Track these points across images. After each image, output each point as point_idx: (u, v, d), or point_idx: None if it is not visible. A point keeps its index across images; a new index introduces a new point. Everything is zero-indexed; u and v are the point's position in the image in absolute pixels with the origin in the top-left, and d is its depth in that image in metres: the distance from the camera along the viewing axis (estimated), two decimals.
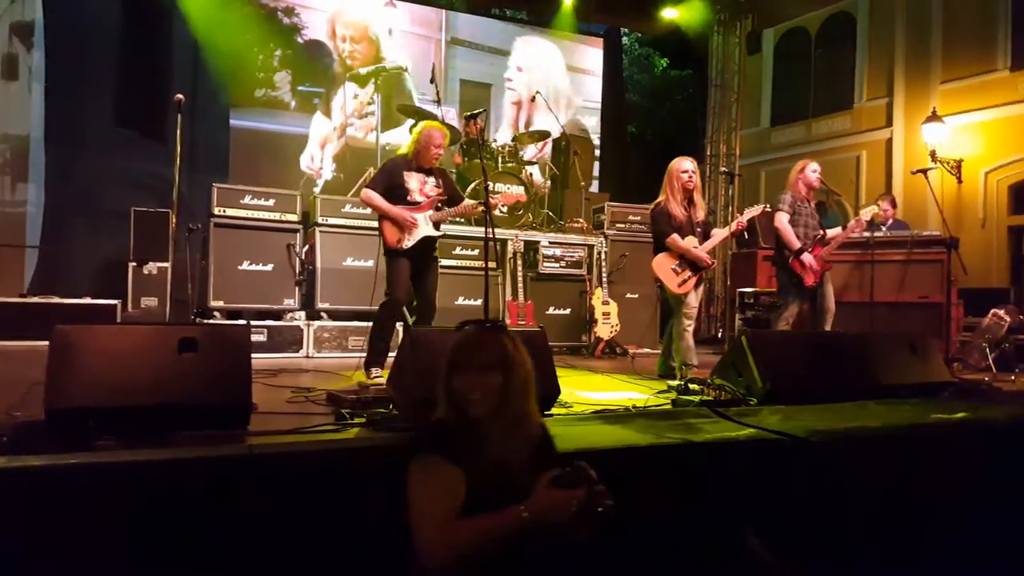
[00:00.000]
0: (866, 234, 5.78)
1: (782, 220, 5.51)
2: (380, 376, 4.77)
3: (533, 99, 8.32)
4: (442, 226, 6.79)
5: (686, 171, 5.32)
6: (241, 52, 9.92)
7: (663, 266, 5.29)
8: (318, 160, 10.19)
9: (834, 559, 1.84)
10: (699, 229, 5.35)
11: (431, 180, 5.08)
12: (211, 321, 6.41)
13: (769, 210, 5.67)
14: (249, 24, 10.03)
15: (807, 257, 5.43)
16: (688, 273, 5.24)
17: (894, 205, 7.53)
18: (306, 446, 2.75)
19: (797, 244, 5.45)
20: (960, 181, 11.52)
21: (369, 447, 2.74)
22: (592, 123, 12.58)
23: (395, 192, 4.96)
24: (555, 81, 11.79)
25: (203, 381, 2.92)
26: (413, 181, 5.00)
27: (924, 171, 5.82)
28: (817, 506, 2.52)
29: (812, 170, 5.63)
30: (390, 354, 4.66)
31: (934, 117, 11.43)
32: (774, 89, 15.01)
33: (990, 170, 11.35)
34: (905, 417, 3.14)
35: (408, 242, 4.91)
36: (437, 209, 5.08)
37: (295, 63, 10.27)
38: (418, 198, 5.00)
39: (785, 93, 14.81)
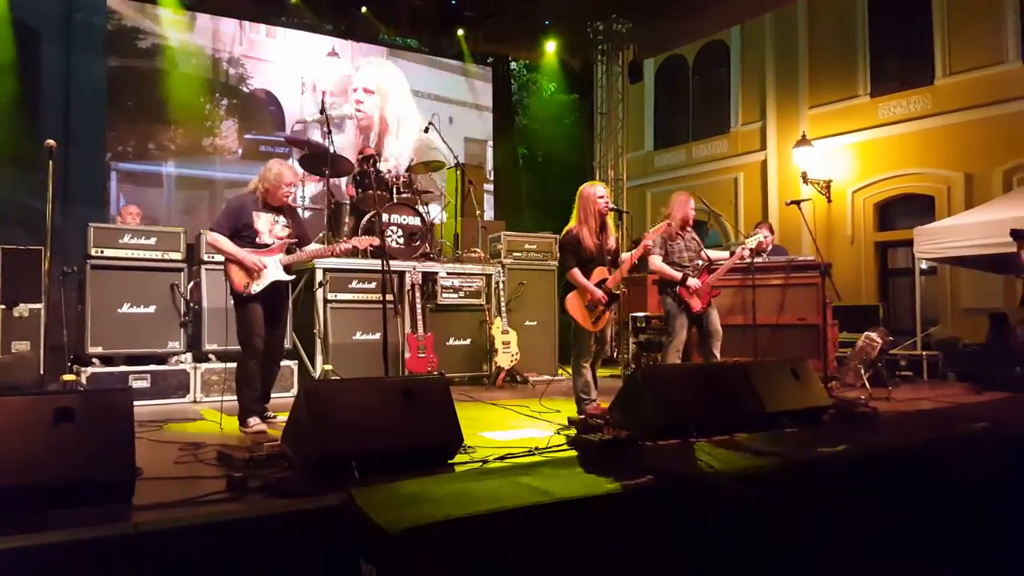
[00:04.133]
0: (747, 260, 6.05)
1: (655, 262, 5.62)
2: (260, 425, 4.61)
3: (427, 130, 8.28)
4: (333, 261, 6.80)
5: (602, 196, 5.19)
6: (187, 103, 10.43)
7: (576, 305, 5.17)
8: None
9: None
10: (610, 258, 5.26)
11: (281, 220, 4.83)
12: (91, 370, 6.04)
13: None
14: (195, 75, 10.59)
15: (693, 281, 5.61)
16: (601, 309, 5.13)
17: (772, 232, 7.95)
18: (197, 519, 2.61)
19: (678, 275, 5.61)
20: (829, 200, 12.30)
21: (266, 517, 2.63)
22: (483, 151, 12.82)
23: (243, 234, 4.69)
24: (404, 104, 12.05)
25: (82, 455, 2.73)
26: (262, 222, 4.74)
27: (797, 202, 6.16)
28: (713, 548, 2.62)
29: (692, 208, 5.79)
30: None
31: (804, 141, 12.16)
32: (656, 115, 15.62)
33: (856, 189, 12.15)
34: (792, 451, 3.30)
35: (256, 287, 4.65)
36: (288, 252, 4.83)
37: (241, 111, 10.86)
38: (268, 240, 4.75)
39: (666, 118, 15.44)
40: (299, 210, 5.40)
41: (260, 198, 4.76)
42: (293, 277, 4.90)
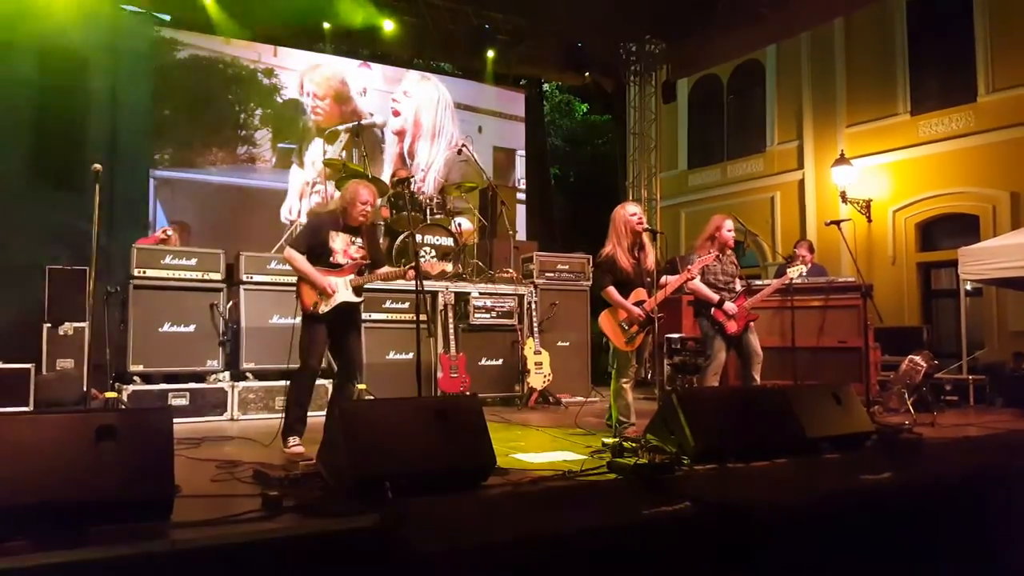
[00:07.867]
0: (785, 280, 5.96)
1: (694, 282, 5.49)
2: (299, 446, 4.59)
3: (460, 151, 8.35)
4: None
5: (634, 214, 5.17)
6: (222, 112, 10.63)
7: (610, 323, 5.13)
8: (295, 211, 10.60)
9: None
10: (648, 279, 5.11)
11: (357, 241, 4.89)
12: (132, 387, 6.15)
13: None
14: (230, 85, 10.78)
15: (729, 305, 5.53)
16: (635, 329, 5.06)
17: (812, 251, 7.82)
18: (233, 537, 2.63)
19: (715, 297, 5.52)
20: (870, 220, 12.08)
21: (301, 537, 2.64)
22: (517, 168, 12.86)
23: (318, 252, 4.77)
24: (441, 115, 12.14)
25: (122, 472, 2.76)
26: (338, 241, 4.80)
27: (837, 222, 6.06)
28: None
29: (727, 230, 5.65)
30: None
31: (842, 160, 11.99)
32: (690, 134, 15.52)
33: (897, 208, 11.93)
34: (834, 479, 3.22)
35: (325, 307, 4.71)
36: (360, 273, 4.87)
37: (275, 121, 10.94)
38: (341, 260, 4.80)
39: (701, 138, 15.33)
40: (378, 231, 5.38)
41: (340, 217, 4.83)
42: (362, 299, 4.93)
